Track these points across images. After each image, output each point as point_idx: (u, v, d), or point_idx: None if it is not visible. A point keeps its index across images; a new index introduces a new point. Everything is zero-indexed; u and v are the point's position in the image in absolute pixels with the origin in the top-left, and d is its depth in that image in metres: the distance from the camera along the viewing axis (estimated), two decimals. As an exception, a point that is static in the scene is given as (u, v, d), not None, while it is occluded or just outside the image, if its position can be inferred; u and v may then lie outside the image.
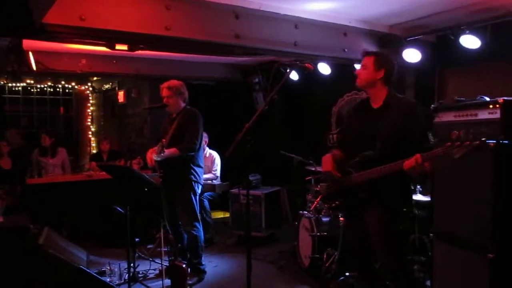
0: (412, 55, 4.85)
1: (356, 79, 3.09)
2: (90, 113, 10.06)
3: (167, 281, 4.07)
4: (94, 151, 9.45)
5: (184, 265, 3.93)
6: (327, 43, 4.78)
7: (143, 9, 3.68)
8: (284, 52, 4.61)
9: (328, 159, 3.16)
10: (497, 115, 2.91)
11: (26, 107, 9.53)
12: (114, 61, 6.21)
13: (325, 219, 4.70)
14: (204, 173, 4.97)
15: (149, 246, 5.59)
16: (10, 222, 3.84)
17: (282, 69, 5.19)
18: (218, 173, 6.39)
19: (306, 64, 2.83)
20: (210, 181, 6.19)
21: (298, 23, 4.48)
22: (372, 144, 2.93)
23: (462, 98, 3.30)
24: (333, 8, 4.31)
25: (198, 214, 4.53)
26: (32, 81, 9.20)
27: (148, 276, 4.66)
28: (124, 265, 4.32)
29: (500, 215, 2.91)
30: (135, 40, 4.09)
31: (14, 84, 9.15)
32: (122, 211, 5.56)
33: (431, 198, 3.55)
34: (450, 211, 3.25)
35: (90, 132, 10.01)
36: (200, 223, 4.54)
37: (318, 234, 4.48)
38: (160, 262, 4.69)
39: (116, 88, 9.13)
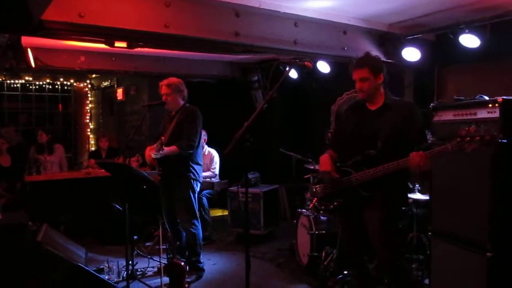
0: (411, 53, 4.86)
1: (359, 93, 3.09)
2: (88, 110, 10.05)
3: (166, 279, 4.07)
4: (93, 149, 9.44)
5: (182, 263, 3.92)
6: (327, 41, 4.78)
7: (143, 6, 3.68)
8: (283, 50, 4.60)
9: (327, 159, 3.17)
10: (496, 114, 2.91)
11: (24, 104, 9.50)
12: (113, 58, 6.20)
13: (323, 218, 4.69)
14: (203, 171, 4.97)
15: (147, 244, 5.59)
16: (8, 219, 3.83)
17: (282, 67, 5.19)
18: (217, 171, 6.39)
19: (306, 62, 2.83)
20: (209, 179, 6.19)
21: (297, 21, 4.48)
22: (372, 144, 2.94)
23: (461, 97, 3.31)
24: (333, 6, 4.31)
25: (197, 212, 4.53)
26: (30, 78, 9.18)
27: (146, 273, 4.67)
28: (123, 262, 4.32)
29: (498, 214, 2.91)
30: (134, 38, 4.08)
31: (12, 81, 9.12)
32: (121, 209, 5.56)
33: (429, 197, 3.55)
34: (448, 210, 3.26)
35: (88, 130, 10.00)
36: (199, 221, 4.55)
37: (317, 232, 4.49)
38: (158, 260, 4.69)
39: (115, 86, 9.12)
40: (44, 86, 9.52)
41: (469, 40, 4.32)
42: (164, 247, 4.77)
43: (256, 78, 7.33)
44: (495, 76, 4.36)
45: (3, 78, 8.88)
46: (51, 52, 5.78)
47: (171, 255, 4.26)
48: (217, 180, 6.32)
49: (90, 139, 9.94)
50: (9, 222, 3.71)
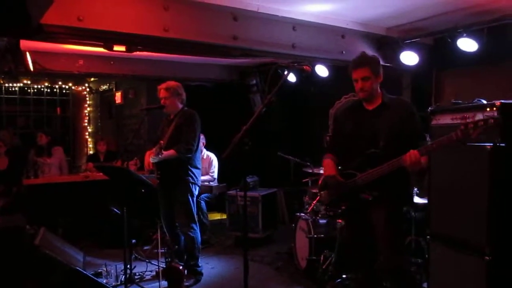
0: (409, 57, 4.87)
1: (360, 93, 3.07)
2: (87, 114, 10.04)
3: (164, 283, 4.07)
4: (91, 152, 9.43)
5: (181, 267, 3.92)
6: (325, 45, 4.79)
7: (141, 10, 3.68)
8: (282, 54, 4.62)
9: (330, 164, 3.17)
10: (494, 117, 2.92)
11: (22, 107, 9.50)
12: (112, 62, 6.20)
13: (322, 221, 4.69)
14: (202, 175, 4.97)
15: (145, 248, 5.58)
16: (6, 222, 3.82)
17: (280, 71, 5.20)
18: (215, 174, 6.38)
19: (304, 66, 2.83)
20: (207, 183, 6.19)
21: (296, 25, 4.49)
22: (374, 143, 2.94)
23: (459, 101, 3.32)
24: (331, 10, 4.32)
25: (195, 216, 4.53)
26: (29, 82, 9.18)
27: (144, 277, 4.66)
28: (121, 266, 4.30)
29: (497, 218, 2.92)
30: (133, 41, 4.09)
31: (10, 84, 9.12)
32: (119, 212, 5.55)
33: (427, 200, 3.56)
34: (446, 213, 3.26)
35: (87, 133, 9.99)
36: (197, 224, 4.54)
37: (315, 236, 4.48)
38: (156, 264, 4.68)
39: (113, 89, 9.11)
40: (42, 89, 9.52)
41: (467, 44, 4.33)
42: (163, 250, 4.77)
43: (254, 81, 7.34)
44: (493, 80, 4.38)
45: (2, 82, 8.89)
46: (49, 55, 5.78)
47: (169, 259, 4.26)
48: (215, 184, 6.31)
49: (88, 143, 9.93)
50: (6, 226, 3.69)
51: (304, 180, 5.28)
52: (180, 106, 4.51)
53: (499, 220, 2.92)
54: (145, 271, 4.74)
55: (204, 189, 6.00)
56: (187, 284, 4.25)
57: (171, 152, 4.23)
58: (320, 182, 3.58)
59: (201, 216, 5.82)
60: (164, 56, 6.14)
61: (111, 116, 9.45)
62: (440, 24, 4.53)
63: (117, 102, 8.90)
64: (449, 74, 4.97)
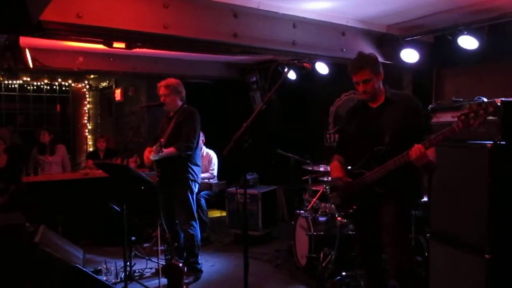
0: (409, 55, 4.86)
1: (363, 95, 3.04)
2: (86, 111, 10.03)
3: (164, 280, 4.07)
4: (91, 149, 9.42)
5: (180, 264, 3.92)
6: (325, 42, 4.78)
7: (141, 7, 3.67)
8: (282, 51, 4.60)
9: (336, 165, 3.16)
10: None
11: (22, 105, 9.48)
12: (111, 59, 6.19)
13: (322, 219, 4.69)
14: (201, 172, 4.97)
15: (145, 245, 5.58)
16: (5, 220, 3.81)
17: (280, 68, 5.18)
18: (215, 172, 6.38)
19: (305, 64, 2.82)
20: (207, 180, 6.18)
21: (296, 22, 4.48)
22: (379, 141, 2.91)
23: (459, 99, 3.31)
24: (331, 7, 4.31)
25: (195, 213, 4.53)
26: (28, 79, 9.17)
27: (144, 275, 4.66)
28: (121, 263, 4.30)
29: (497, 216, 2.91)
30: (132, 38, 4.07)
31: (10, 82, 9.10)
32: (119, 210, 5.54)
33: (428, 198, 3.55)
34: (446, 211, 3.26)
35: (86, 130, 9.98)
36: (197, 222, 4.54)
37: (315, 233, 4.48)
38: (156, 261, 4.68)
39: (113, 86, 9.11)
40: (42, 86, 9.50)
41: (467, 42, 4.33)
42: (162, 248, 4.77)
43: (254, 79, 7.33)
44: (494, 78, 4.37)
45: (1, 79, 8.86)
46: (49, 52, 5.77)
47: (169, 256, 4.26)
48: (215, 181, 6.31)
49: (88, 140, 9.92)
50: (6, 223, 3.69)
51: (304, 178, 5.28)
52: (180, 103, 4.50)
53: (499, 218, 2.91)
54: (145, 269, 4.75)
55: (204, 186, 5.99)
56: (186, 281, 4.25)
57: (171, 149, 4.22)
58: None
59: (201, 214, 5.81)
60: (164, 53, 6.13)
61: (111, 113, 9.44)
62: (440, 22, 4.52)
63: (117, 99, 8.89)
64: (450, 72, 4.96)
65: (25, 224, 3.64)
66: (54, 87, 9.64)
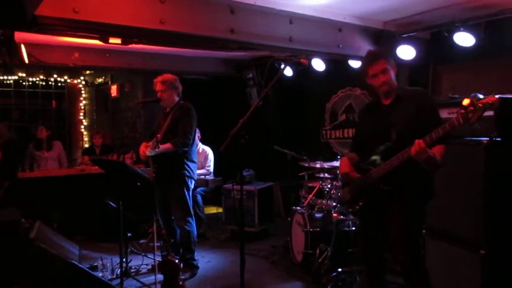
0: (406, 51, 4.86)
1: (383, 86, 2.98)
2: (82, 107, 9.99)
3: (160, 276, 4.06)
4: (87, 145, 9.39)
5: (176, 260, 3.91)
6: (322, 38, 4.77)
7: (138, 2, 3.65)
8: (279, 47, 4.59)
9: (345, 161, 3.14)
10: (491, 112, 2.92)
11: (17, 100, 9.43)
12: (107, 55, 6.15)
13: (318, 215, 4.71)
14: (197, 169, 4.96)
15: (141, 241, 5.58)
16: (1, 216, 3.80)
17: (277, 65, 5.18)
18: (211, 168, 6.38)
19: (301, 60, 2.82)
20: (203, 177, 6.18)
21: (293, 18, 4.47)
22: (388, 137, 2.88)
23: (456, 95, 3.32)
24: (328, 3, 4.30)
25: (191, 210, 4.52)
26: (24, 74, 9.11)
27: (140, 271, 4.66)
28: (117, 260, 4.31)
29: (493, 212, 2.93)
30: (129, 34, 4.05)
31: (5, 77, 9.05)
32: (115, 206, 5.53)
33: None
34: (442, 208, 3.27)
35: (82, 126, 9.95)
36: (193, 218, 4.54)
37: (311, 229, 4.49)
38: (152, 257, 4.68)
39: (109, 82, 9.07)
40: (37, 82, 9.45)
41: (464, 38, 4.33)
42: (158, 244, 4.76)
43: (251, 75, 7.31)
44: (490, 74, 4.38)
45: (-4, 74, 8.82)
46: (44, 48, 5.73)
47: (165, 253, 4.25)
48: (211, 178, 6.31)
49: (84, 136, 9.89)
50: (1, 219, 3.68)
51: (300, 174, 5.28)
52: (177, 99, 4.49)
53: (494, 214, 2.93)
54: (141, 265, 4.75)
55: (200, 183, 5.99)
56: (183, 277, 4.25)
57: (167, 145, 4.22)
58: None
59: (197, 210, 5.81)
60: (160, 49, 6.11)
61: (107, 109, 9.41)
62: (437, 18, 4.52)
63: (113, 95, 8.86)
64: (446, 68, 4.97)
65: (21, 220, 3.63)
66: (50, 82, 9.58)
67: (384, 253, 3.14)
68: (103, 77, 9.38)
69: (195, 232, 4.56)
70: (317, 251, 4.39)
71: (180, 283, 3.84)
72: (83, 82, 9.89)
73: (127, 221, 4.30)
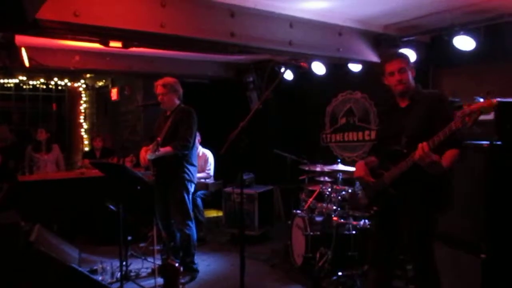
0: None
1: (399, 85, 2.93)
2: (83, 111, 10.00)
3: (160, 280, 4.05)
4: (87, 149, 9.40)
5: (176, 264, 3.91)
6: (322, 42, 4.78)
7: (138, 6, 3.66)
8: (279, 50, 4.60)
9: (361, 165, 3.10)
10: (490, 116, 2.93)
11: (18, 104, 9.45)
12: (108, 58, 6.16)
13: (318, 218, 4.71)
14: (198, 172, 4.96)
15: (141, 245, 5.56)
16: (1, 219, 3.80)
17: (277, 68, 5.19)
18: (211, 172, 6.38)
19: (301, 63, 2.83)
20: (203, 180, 6.18)
21: (293, 22, 4.48)
22: (398, 141, 2.86)
23: (456, 99, 3.32)
24: (328, 7, 4.31)
25: (191, 213, 4.52)
26: (24, 78, 9.13)
27: (140, 274, 4.64)
28: (116, 263, 4.29)
29: (493, 216, 2.92)
30: (129, 37, 4.07)
31: (6, 80, 9.07)
32: (115, 209, 5.52)
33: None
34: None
35: (82, 130, 9.96)
36: (193, 221, 4.53)
37: (311, 233, 4.49)
38: (152, 261, 4.67)
39: (109, 86, 9.08)
40: (38, 85, 9.47)
41: (464, 42, 4.34)
42: (158, 248, 4.76)
43: (251, 79, 7.32)
44: (490, 78, 4.39)
45: (-3, 77, 8.84)
46: (45, 51, 5.74)
47: (165, 256, 4.25)
48: (211, 181, 6.30)
49: (84, 139, 9.90)
50: (1, 222, 3.67)
51: (300, 177, 5.28)
52: (177, 102, 4.49)
53: (495, 218, 2.92)
54: (141, 268, 4.73)
55: (200, 186, 5.98)
56: (183, 281, 4.24)
57: (168, 148, 4.21)
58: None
59: (197, 213, 5.81)
60: (160, 52, 6.11)
61: (107, 112, 9.42)
62: (437, 22, 4.53)
63: (113, 98, 8.87)
64: (446, 72, 4.98)
65: (20, 223, 3.62)
66: (50, 86, 9.61)
67: (393, 259, 3.11)
68: (104, 81, 9.40)
69: (195, 236, 4.56)
70: (317, 255, 4.38)
71: (180, 286, 3.83)
72: (84, 86, 9.91)
73: (127, 225, 4.29)
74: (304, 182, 5.22)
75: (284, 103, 7.09)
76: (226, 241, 6.05)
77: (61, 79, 9.55)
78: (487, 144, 2.95)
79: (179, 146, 4.26)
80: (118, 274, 4.25)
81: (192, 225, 4.49)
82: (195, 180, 4.57)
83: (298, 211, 4.85)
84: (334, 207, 4.50)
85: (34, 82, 9.37)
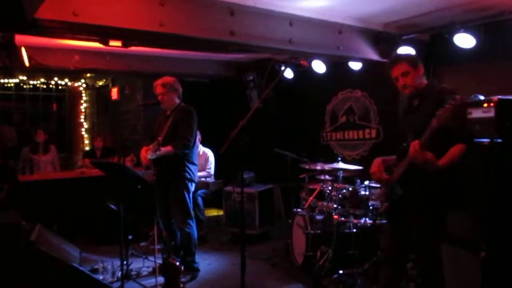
0: (406, 53, 4.86)
1: (404, 90, 2.96)
2: (83, 110, 10.01)
3: (161, 279, 4.06)
4: (87, 148, 9.40)
5: (177, 263, 3.91)
6: (322, 40, 4.77)
7: (137, 5, 3.65)
8: (279, 49, 4.59)
9: (377, 161, 3.09)
10: (491, 113, 2.92)
11: (18, 104, 9.46)
12: (108, 58, 6.16)
13: (319, 217, 4.70)
14: (198, 171, 4.96)
15: (142, 244, 5.57)
16: (1, 218, 3.80)
17: (277, 67, 5.17)
18: (212, 171, 6.38)
19: (301, 61, 2.83)
20: (204, 179, 6.18)
21: (293, 20, 4.47)
22: (406, 139, 2.88)
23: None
24: (328, 5, 4.30)
25: (192, 212, 4.52)
26: (24, 77, 9.14)
27: (141, 273, 4.65)
28: (117, 262, 4.30)
29: (493, 214, 2.92)
30: (129, 36, 4.07)
31: (6, 80, 9.07)
32: (115, 209, 5.53)
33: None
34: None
35: (83, 129, 9.96)
36: (194, 220, 4.53)
37: (312, 231, 4.49)
38: (153, 260, 4.67)
39: (110, 85, 9.09)
40: (38, 85, 9.47)
41: (464, 40, 4.33)
42: (159, 247, 4.76)
43: (251, 77, 7.32)
44: (490, 76, 4.38)
45: (-3, 77, 8.84)
46: (45, 51, 5.73)
47: (166, 255, 4.25)
48: (212, 180, 6.30)
49: (85, 139, 9.90)
50: (2, 222, 3.67)
51: (301, 176, 5.28)
52: (177, 101, 4.49)
53: (495, 216, 2.92)
54: (142, 267, 4.74)
55: (201, 185, 5.99)
56: (183, 280, 4.24)
57: (168, 148, 4.22)
58: None
59: (198, 212, 5.81)
60: (160, 51, 6.11)
61: (107, 112, 9.42)
62: (437, 20, 4.52)
63: (113, 98, 8.87)
64: (447, 70, 4.96)
65: (21, 222, 3.63)
66: (50, 86, 9.61)
67: (406, 255, 3.11)
68: (104, 80, 9.40)
69: (196, 235, 4.56)
70: (318, 253, 4.38)
71: (181, 285, 3.84)
72: (84, 85, 9.92)
73: (128, 224, 4.30)
74: (304, 181, 5.22)
75: (284, 101, 7.09)
76: (227, 240, 6.05)
77: (61, 78, 9.55)
78: (487, 141, 2.94)
79: (180, 146, 4.26)
80: (119, 273, 4.26)
81: (193, 224, 4.49)
82: (196, 179, 4.57)
83: (299, 210, 4.85)
84: (335, 206, 4.50)
85: (35, 82, 9.37)
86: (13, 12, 2.78)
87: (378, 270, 3.81)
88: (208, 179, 6.26)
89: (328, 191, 4.71)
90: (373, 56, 5.13)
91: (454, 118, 2.42)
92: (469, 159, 2.89)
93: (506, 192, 2.94)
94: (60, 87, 9.78)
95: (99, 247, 5.59)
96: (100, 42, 4.17)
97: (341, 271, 4.11)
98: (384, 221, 3.99)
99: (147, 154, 4.26)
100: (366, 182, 4.36)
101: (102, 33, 3.83)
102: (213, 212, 7.30)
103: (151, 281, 4.32)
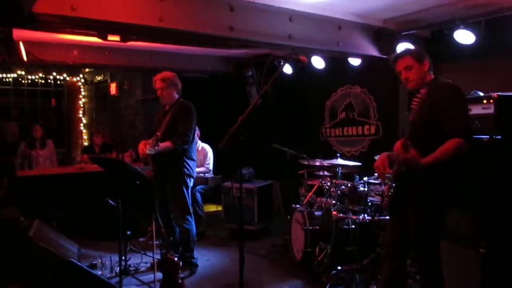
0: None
1: (407, 84, 2.94)
2: (82, 105, 9.99)
3: (159, 275, 4.05)
4: (86, 144, 9.39)
5: (176, 259, 3.90)
6: (322, 36, 4.75)
7: (136, 0, 3.63)
8: (278, 44, 4.58)
9: (382, 156, 3.00)
10: (491, 110, 2.92)
11: (16, 99, 9.43)
12: (106, 52, 6.13)
13: (317, 213, 4.70)
14: (197, 167, 4.95)
15: (140, 239, 5.56)
16: (0, 214, 3.79)
17: (276, 62, 5.16)
18: (210, 166, 6.37)
19: (301, 57, 2.80)
20: (203, 175, 6.17)
21: (292, 16, 4.46)
22: (405, 134, 2.89)
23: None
24: (328, 1, 4.29)
25: (190, 208, 4.51)
26: (23, 73, 9.12)
27: (139, 269, 4.65)
28: (116, 258, 4.30)
29: (493, 211, 2.92)
30: (127, 31, 4.04)
31: (4, 75, 9.04)
32: (114, 204, 5.52)
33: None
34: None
35: (81, 125, 9.94)
36: (192, 216, 4.53)
37: (311, 227, 4.48)
38: (151, 256, 4.67)
39: (108, 80, 9.06)
40: (36, 80, 9.45)
41: (464, 37, 4.32)
42: (158, 242, 4.75)
43: (250, 73, 7.30)
44: (490, 73, 4.37)
45: (-5, 72, 8.82)
46: (43, 45, 5.70)
47: (164, 251, 4.24)
48: (211, 176, 6.29)
49: (83, 134, 9.89)
50: (0, 218, 3.67)
51: (300, 172, 5.27)
52: (177, 96, 4.48)
53: (495, 213, 2.92)
54: (140, 263, 4.74)
55: (200, 180, 5.98)
56: (182, 276, 4.24)
57: (167, 143, 4.20)
58: None
59: (197, 208, 5.81)
60: (159, 46, 6.09)
61: (106, 107, 9.40)
62: (437, 16, 4.51)
63: (112, 93, 8.85)
64: (446, 67, 4.94)
65: (20, 218, 3.62)
66: (49, 81, 9.59)
67: (407, 250, 3.11)
68: (102, 75, 9.37)
69: (194, 230, 4.55)
70: (317, 250, 4.38)
71: (179, 281, 3.83)
72: (82, 80, 9.89)
73: (126, 219, 4.29)
74: (303, 177, 5.22)
75: (284, 97, 7.08)
76: (226, 236, 6.05)
77: (60, 74, 9.52)
78: (487, 138, 2.94)
79: (179, 141, 4.24)
80: (118, 269, 4.25)
81: (192, 220, 4.49)
82: (195, 175, 4.56)
83: (298, 206, 4.84)
84: (334, 202, 4.50)
85: (33, 77, 9.34)
86: (11, 6, 2.76)
87: (377, 266, 3.83)
88: (207, 174, 6.25)
89: (327, 187, 4.71)
90: (373, 52, 5.12)
91: (422, 112, 2.43)
92: (468, 156, 2.89)
93: (505, 189, 2.94)
94: (58, 82, 9.76)
95: (98, 242, 5.58)
96: (99, 36, 4.14)
97: (339, 267, 4.10)
98: (383, 217, 4.03)
99: (145, 147, 4.24)
100: (365, 179, 4.35)
101: (100, 28, 3.80)
102: (212, 208, 7.30)
103: (150, 276, 4.32)
